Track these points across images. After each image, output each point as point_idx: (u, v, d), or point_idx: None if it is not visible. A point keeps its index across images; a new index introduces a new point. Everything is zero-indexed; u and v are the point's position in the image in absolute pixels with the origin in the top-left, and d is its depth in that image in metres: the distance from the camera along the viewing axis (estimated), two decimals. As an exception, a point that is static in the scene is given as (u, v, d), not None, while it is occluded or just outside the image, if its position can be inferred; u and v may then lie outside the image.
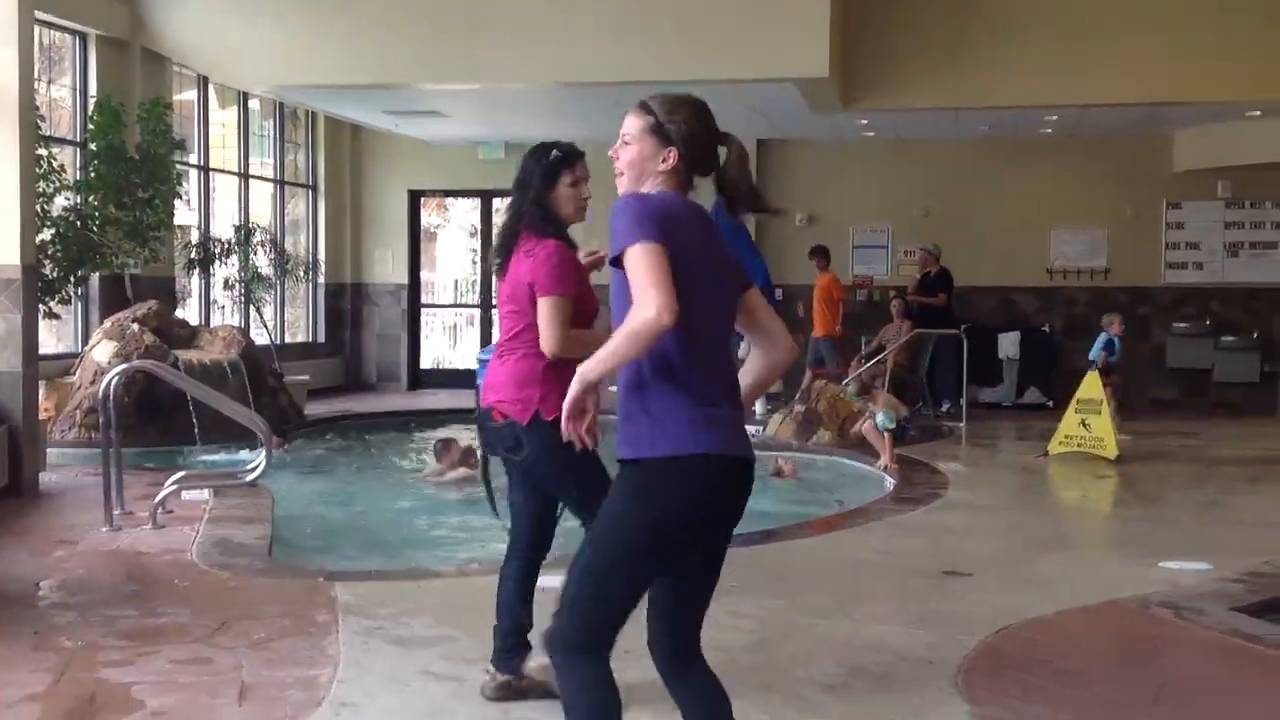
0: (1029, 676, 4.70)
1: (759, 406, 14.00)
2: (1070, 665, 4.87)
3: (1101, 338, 12.63)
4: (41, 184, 10.32)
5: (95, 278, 11.91)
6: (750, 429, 13.31)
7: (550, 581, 5.70)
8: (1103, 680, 4.68)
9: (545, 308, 4.09)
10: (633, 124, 3.17)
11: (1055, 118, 14.48)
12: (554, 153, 4.28)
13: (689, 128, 3.15)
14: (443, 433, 11.53)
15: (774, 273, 14.63)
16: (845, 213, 16.49)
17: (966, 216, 16.02)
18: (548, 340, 4.09)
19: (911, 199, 16.28)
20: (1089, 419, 10.81)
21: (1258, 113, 13.77)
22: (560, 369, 3.98)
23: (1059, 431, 11.01)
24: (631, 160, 3.16)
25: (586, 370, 2.93)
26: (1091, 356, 12.56)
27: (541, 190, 4.23)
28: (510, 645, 4.34)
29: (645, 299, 2.84)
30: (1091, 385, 10.95)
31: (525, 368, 4.18)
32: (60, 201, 11.20)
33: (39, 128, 9.96)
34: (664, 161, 3.13)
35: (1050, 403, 14.82)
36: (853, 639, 5.17)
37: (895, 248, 16.52)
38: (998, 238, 16.05)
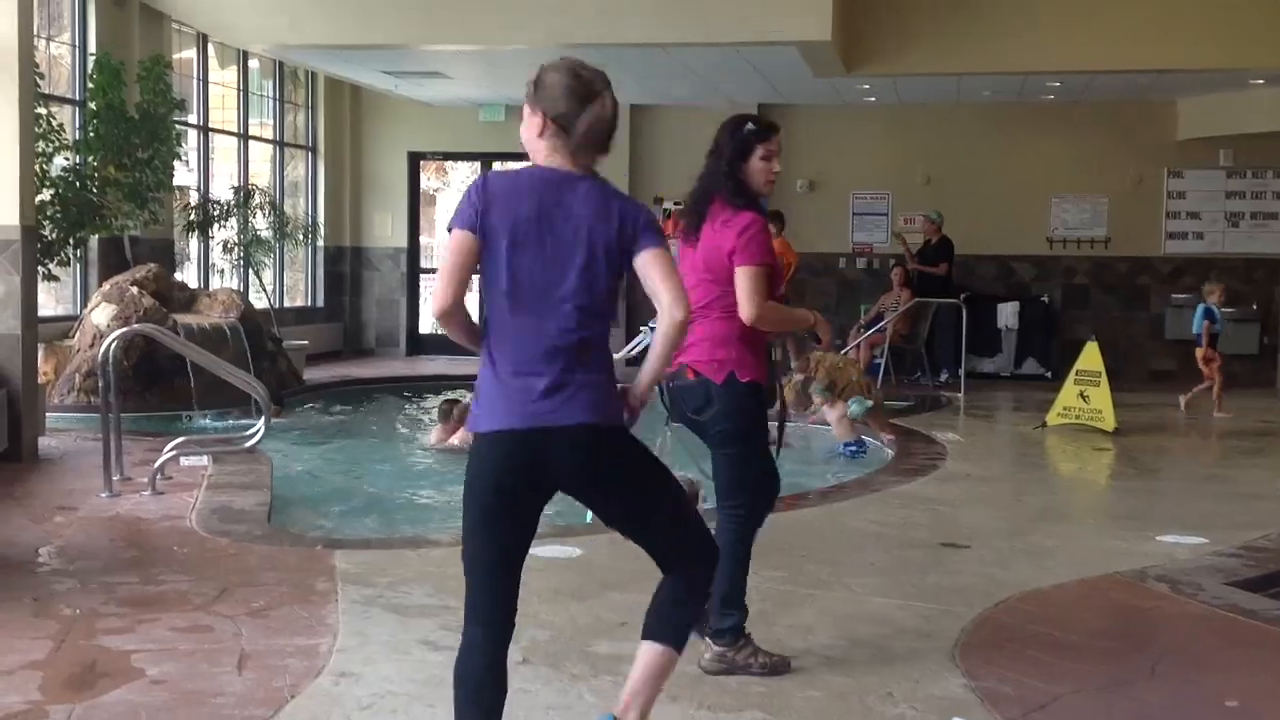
0: (1026, 649, 4.71)
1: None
2: (1067, 638, 4.89)
3: (1200, 309, 12.36)
4: (41, 143, 10.26)
5: (94, 240, 11.86)
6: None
7: (546, 550, 5.74)
8: (1100, 654, 4.70)
9: (745, 277, 4.23)
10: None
11: (1058, 84, 14.41)
12: (749, 125, 4.38)
13: (549, 88, 3.17)
14: (441, 400, 11.54)
15: (774, 239, 14.60)
16: (846, 179, 16.44)
17: (968, 184, 15.97)
18: (748, 308, 4.22)
19: (913, 165, 16.22)
20: (1087, 390, 10.82)
21: (1261, 81, 13.71)
22: (752, 335, 4.30)
23: (1057, 403, 11.01)
24: (524, 137, 3.24)
25: None
26: (1196, 330, 12.35)
27: (734, 162, 4.35)
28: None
29: None
30: (1090, 356, 10.94)
31: (721, 329, 4.30)
32: (59, 161, 11.13)
33: (38, 86, 9.89)
34: (540, 128, 3.17)
35: (1049, 374, 14.83)
36: (851, 611, 5.19)
37: (896, 215, 16.47)
38: (999, 206, 16.00)
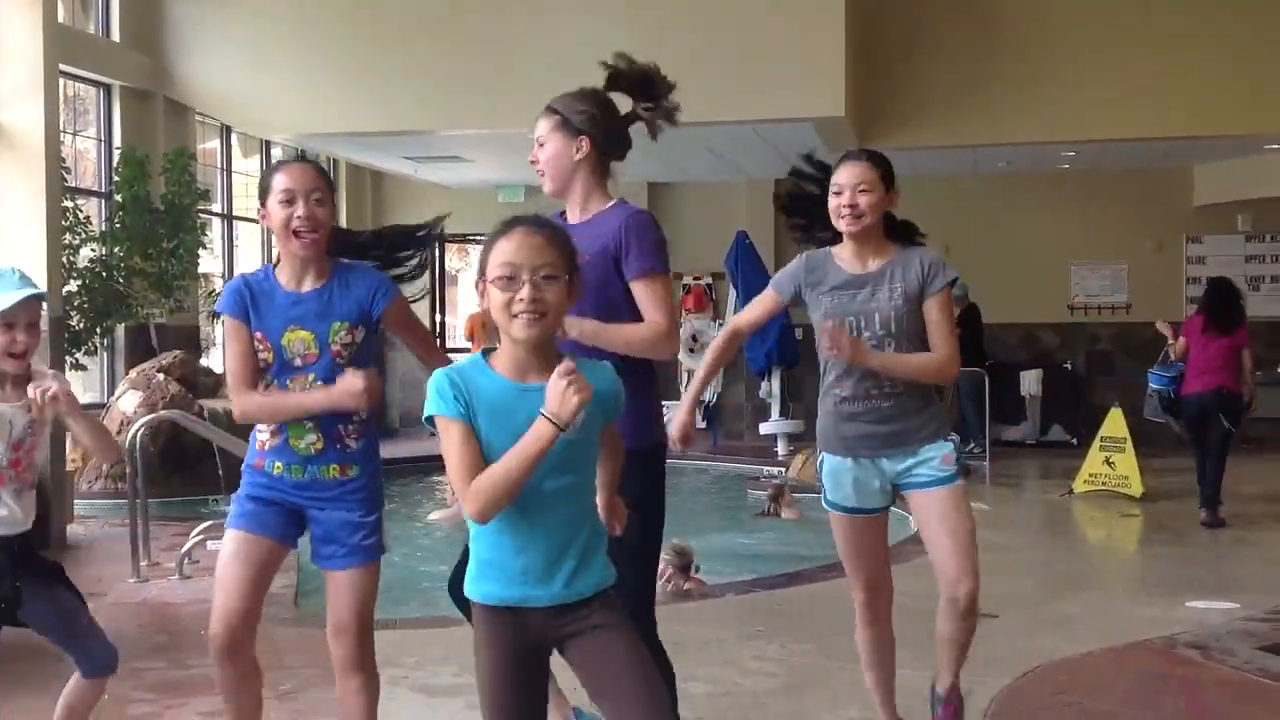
0: (1056, 719, 4.68)
1: (781, 446, 14.02)
2: (1098, 707, 4.85)
3: None
4: (68, 236, 10.44)
5: (120, 328, 12.01)
6: (772, 469, 13.21)
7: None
8: (1131, 723, 4.66)
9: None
10: (542, 126, 3.63)
11: (1074, 153, 14.50)
12: None
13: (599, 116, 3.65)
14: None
15: (794, 312, 14.68)
16: (865, 251, 16.45)
17: (987, 253, 15.98)
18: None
19: (931, 237, 16.09)
20: (1113, 457, 10.77)
21: (1276, 146, 13.76)
22: None
23: (1083, 470, 10.96)
24: (547, 158, 3.58)
25: None
26: None
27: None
28: None
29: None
30: (1115, 423, 10.91)
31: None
32: (86, 253, 11.32)
33: (65, 180, 10.08)
34: (578, 151, 3.57)
35: (1074, 440, 14.75)
36: (879, 683, 5.14)
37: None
38: (1019, 274, 16.01)
